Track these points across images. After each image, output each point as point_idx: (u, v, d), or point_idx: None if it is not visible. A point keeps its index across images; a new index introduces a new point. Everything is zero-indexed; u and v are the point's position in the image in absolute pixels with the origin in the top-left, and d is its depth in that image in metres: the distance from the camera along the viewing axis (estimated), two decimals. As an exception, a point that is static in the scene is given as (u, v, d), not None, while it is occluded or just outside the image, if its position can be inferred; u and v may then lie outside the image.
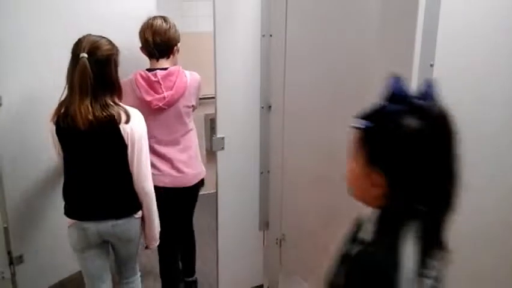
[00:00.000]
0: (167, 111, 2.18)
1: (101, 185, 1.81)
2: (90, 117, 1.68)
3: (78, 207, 1.84)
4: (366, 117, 0.92)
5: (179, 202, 2.38)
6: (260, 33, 2.23)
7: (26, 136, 2.08)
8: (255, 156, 2.39)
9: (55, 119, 1.75)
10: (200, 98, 2.74)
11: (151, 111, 2.11)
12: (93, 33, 1.78)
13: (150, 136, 1.91)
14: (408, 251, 0.88)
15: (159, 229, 1.97)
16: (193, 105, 2.29)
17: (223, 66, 2.15)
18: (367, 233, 0.95)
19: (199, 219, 3.46)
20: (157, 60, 2.20)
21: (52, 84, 2.24)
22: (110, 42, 1.80)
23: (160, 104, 2.13)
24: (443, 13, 1.35)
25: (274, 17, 2.19)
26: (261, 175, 2.43)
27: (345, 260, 0.96)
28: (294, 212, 2.17)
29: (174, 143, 2.26)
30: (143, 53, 2.23)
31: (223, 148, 2.26)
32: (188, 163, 2.30)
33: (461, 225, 1.59)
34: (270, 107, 2.33)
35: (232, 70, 2.20)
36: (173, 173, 2.26)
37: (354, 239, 1.00)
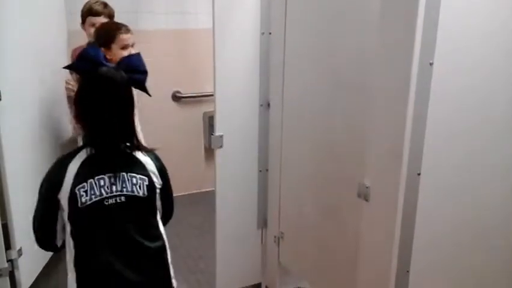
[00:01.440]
0: None
1: None
2: None
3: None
4: (68, 67, 1.47)
5: None
6: (259, 31, 2.23)
7: (25, 132, 2.08)
8: (254, 154, 2.39)
9: None
10: (199, 96, 2.76)
11: None
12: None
13: None
14: (74, 166, 1.34)
15: None
16: None
17: (222, 64, 2.15)
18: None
19: (197, 216, 3.47)
20: None
21: (50, 80, 2.26)
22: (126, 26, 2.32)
23: None
24: (443, 11, 1.34)
25: (274, 14, 2.18)
26: (259, 173, 2.42)
27: None
28: (293, 210, 2.16)
29: None
30: None
31: (221, 146, 2.26)
32: None
33: (466, 225, 1.59)
34: (268, 104, 2.33)
35: (231, 68, 2.20)
36: None
37: None
